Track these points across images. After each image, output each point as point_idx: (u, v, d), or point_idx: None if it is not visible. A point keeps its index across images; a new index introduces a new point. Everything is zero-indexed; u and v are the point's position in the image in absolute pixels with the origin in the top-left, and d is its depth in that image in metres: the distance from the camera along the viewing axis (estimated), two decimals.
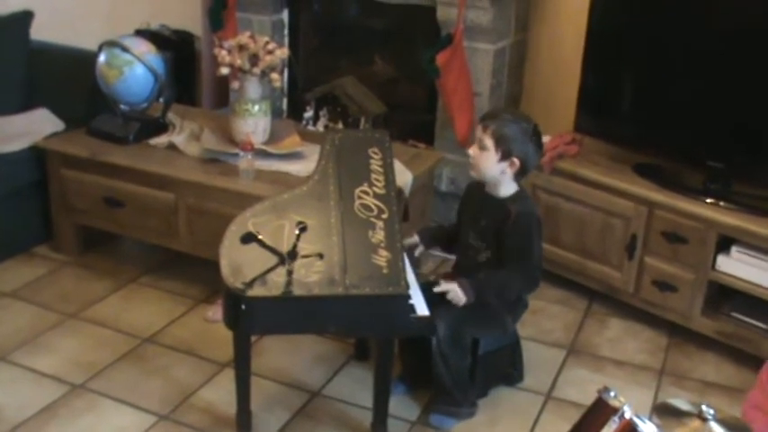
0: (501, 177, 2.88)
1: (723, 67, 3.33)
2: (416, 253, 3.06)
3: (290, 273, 2.51)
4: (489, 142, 2.84)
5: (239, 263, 2.55)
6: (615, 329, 3.56)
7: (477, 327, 2.90)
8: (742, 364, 3.29)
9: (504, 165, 2.85)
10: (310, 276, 2.53)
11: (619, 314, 3.64)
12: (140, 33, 4.52)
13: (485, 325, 2.93)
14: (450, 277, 2.92)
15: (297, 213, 2.65)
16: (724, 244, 3.26)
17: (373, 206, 2.70)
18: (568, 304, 3.72)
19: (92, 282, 3.73)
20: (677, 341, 3.47)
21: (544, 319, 3.57)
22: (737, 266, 3.24)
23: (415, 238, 3.05)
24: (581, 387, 3.13)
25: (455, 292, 2.80)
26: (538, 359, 3.29)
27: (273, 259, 2.53)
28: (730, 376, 3.26)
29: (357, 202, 2.70)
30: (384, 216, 2.68)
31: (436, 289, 2.80)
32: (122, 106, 3.81)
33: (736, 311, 3.31)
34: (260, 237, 2.56)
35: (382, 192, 2.74)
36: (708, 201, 3.32)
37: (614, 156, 3.69)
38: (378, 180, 2.76)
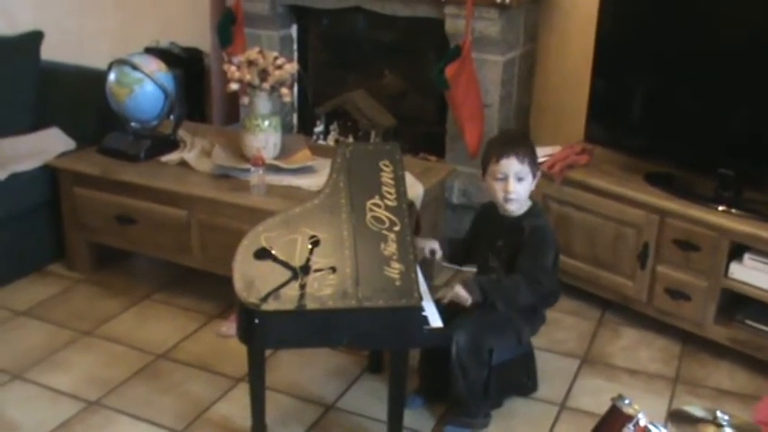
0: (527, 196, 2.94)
1: (733, 74, 3.33)
2: (437, 256, 3.04)
3: (302, 287, 2.52)
4: (528, 170, 2.87)
5: (252, 277, 2.56)
6: (628, 338, 3.55)
7: (495, 336, 2.90)
8: (756, 371, 3.28)
9: (533, 183, 2.93)
10: (323, 290, 2.53)
11: (632, 323, 3.63)
12: (150, 51, 4.54)
13: (503, 335, 2.94)
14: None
15: (309, 227, 2.66)
16: (737, 251, 3.26)
17: (385, 218, 2.70)
18: (581, 314, 3.71)
19: (105, 299, 3.75)
20: (691, 349, 3.46)
21: (557, 330, 3.56)
22: (750, 274, 3.22)
23: (436, 244, 3.03)
24: (595, 397, 3.12)
25: (458, 294, 2.80)
26: (552, 369, 3.29)
27: (287, 273, 2.54)
28: (744, 384, 3.25)
29: (369, 215, 2.70)
30: (396, 228, 2.68)
31: (444, 300, 2.81)
32: (133, 124, 3.83)
33: (750, 319, 3.30)
34: (273, 252, 2.57)
35: (394, 204, 2.74)
36: (720, 208, 3.31)
37: (625, 165, 3.68)
38: (389, 192, 2.77)
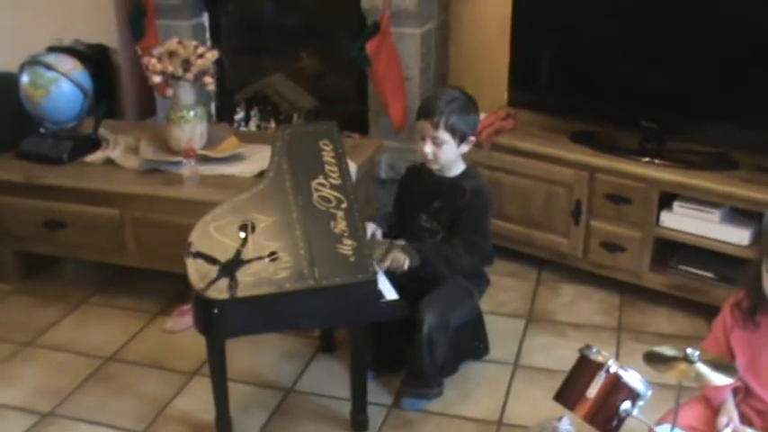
0: (457, 159, 2.94)
1: (649, 28, 3.42)
2: (378, 235, 3.02)
3: (258, 272, 2.51)
4: (446, 135, 2.87)
5: (206, 268, 2.53)
6: (568, 294, 3.64)
7: (459, 309, 2.96)
8: (693, 313, 3.40)
9: (464, 146, 2.93)
10: (279, 273, 2.53)
11: (570, 279, 3.72)
12: (54, 50, 4.40)
13: (464, 306, 3.00)
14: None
15: (257, 212, 2.65)
16: (666, 200, 3.36)
17: (331, 197, 2.71)
18: (520, 275, 3.79)
19: (41, 308, 3.64)
20: (629, 299, 3.56)
21: (499, 292, 3.62)
22: (681, 221, 3.34)
23: (373, 227, 3.00)
24: (546, 353, 3.20)
25: (396, 258, 2.83)
26: (500, 331, 3.34)
27: (240, 261, 2.53)
28: (684, 326, 3.37)
29: (315, 195, 2.70)
30: (343, 206, 2.69)
31: (383, 266, 2.81)
32: (49, 125, 3.71)
33: (683, 264, 3.41)
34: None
35: (338, 182, 2.74)
36: (644, 160, 3.41)
37: (550, 126, 3.75)
38: (332, 171, 2.77)
